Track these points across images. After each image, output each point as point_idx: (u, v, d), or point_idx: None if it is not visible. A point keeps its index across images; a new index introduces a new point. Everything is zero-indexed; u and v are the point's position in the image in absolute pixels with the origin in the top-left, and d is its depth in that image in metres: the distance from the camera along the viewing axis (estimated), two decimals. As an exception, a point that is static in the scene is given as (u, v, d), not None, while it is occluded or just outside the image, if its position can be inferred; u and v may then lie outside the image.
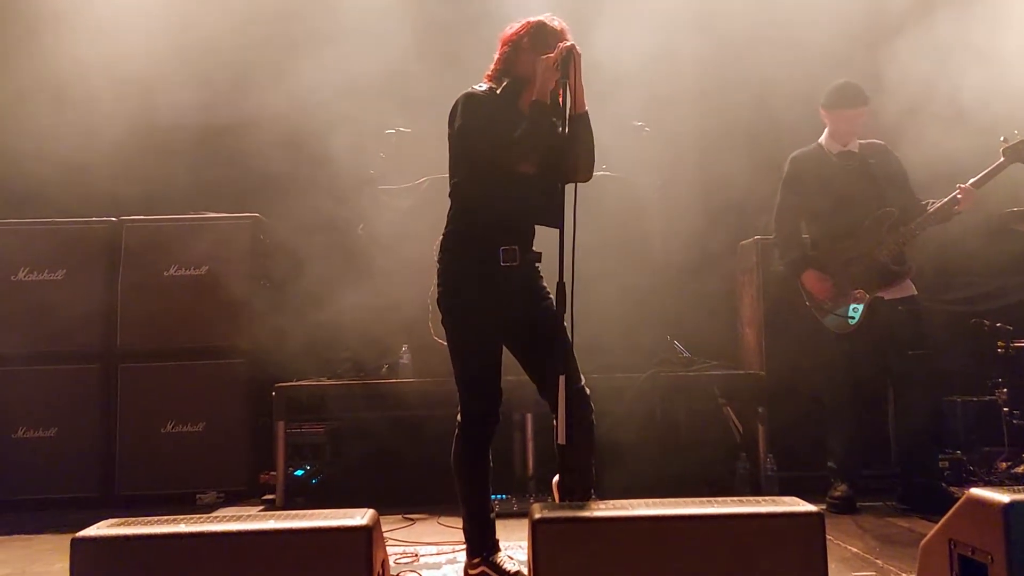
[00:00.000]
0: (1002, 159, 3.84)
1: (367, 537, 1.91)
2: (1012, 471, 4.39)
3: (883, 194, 4.09)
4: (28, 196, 5.12)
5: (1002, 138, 3.85)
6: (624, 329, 4.47)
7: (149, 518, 2.07)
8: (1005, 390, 4.63)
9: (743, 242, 5.01)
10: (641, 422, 4.30)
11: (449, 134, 2.85)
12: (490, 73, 2.89)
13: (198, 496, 4.53)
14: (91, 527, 2.00)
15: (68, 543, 1.94)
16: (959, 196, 3.88)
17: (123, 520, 2.04)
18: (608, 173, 4.61)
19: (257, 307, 4.73)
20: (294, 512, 2.07)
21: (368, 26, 4.95)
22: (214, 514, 3.49)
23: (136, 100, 5.14)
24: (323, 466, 4.56)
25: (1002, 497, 1.79)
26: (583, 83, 2.65)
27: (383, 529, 2.29)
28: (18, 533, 3.93)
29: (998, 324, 4.91)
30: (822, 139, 4.26)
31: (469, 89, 2.81)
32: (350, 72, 4.80)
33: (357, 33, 4.92)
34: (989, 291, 5.47)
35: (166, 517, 2.06)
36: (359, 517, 1.97)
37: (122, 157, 5.10)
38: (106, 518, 2.08)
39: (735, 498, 2.00)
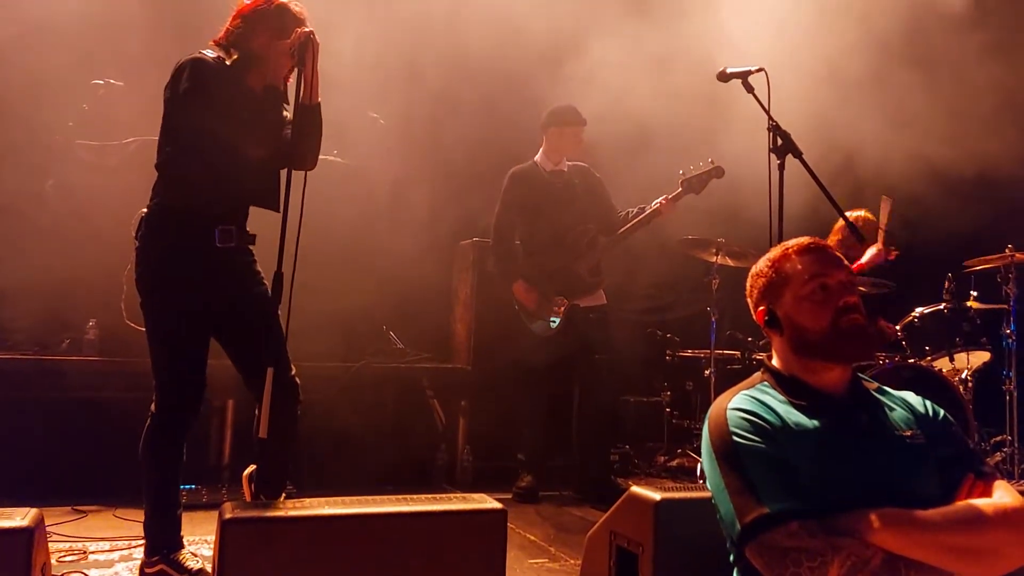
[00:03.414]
0: (679, 190, 4.39)
1: (27, 541, 1.71)
2: (668, 464, 5.06)
3: (585, 211, 4.51)
4: None
5: (680, 171, 4.39)
6: (342, 317, 4.44)
7: None
8: (669, 393, 5.32)
9: (463, 242, 5.22)
10: (350, 412, 4.30)
11: (167, 97, 2.61)
12: (218, 40, 2.71)
13: None
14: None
15: None
16: (659, 208, 4.33)
17: None
18: (338, 159, 4.54)
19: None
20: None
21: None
22: None
23: None
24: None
25: (655, 495, 2.05)
26: (319, 73, 2.59)
27: (48, 523, 2.07)
28: None
29: (668, 335, 5.62)
30: (537, 157, 4.58)
31: (198, 54, 2.61)
32: (53, 7, 4.20)
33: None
34: (663, 304, 6.25)
35: None
36: (19, 518, 1.75)
37: None
38: None
39: (429, 495, 2.09)
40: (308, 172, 2.64)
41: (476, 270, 4.98)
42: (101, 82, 4.38)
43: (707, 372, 4.86)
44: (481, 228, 5.05)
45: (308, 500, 1.95)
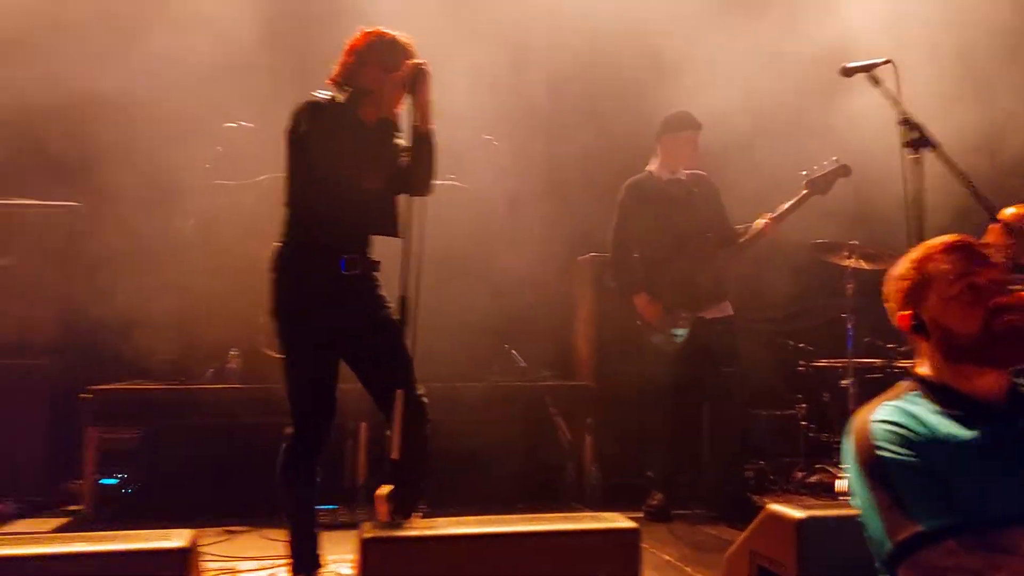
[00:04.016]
0: (804, 192, 4.19)
1: (183, 561, 1.82)
2: (806, 481, 4.81)
3: (706, 219, 4.39)
4: None
5: (804, 172, 4.21)
6: (464, 338, 4.51)
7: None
8: (804, 405, 5.07)
9: (580, 257, 5.20)
10: (477, 431, 4.36)
11: (287, 141, 2.76)
12: (333, 77, 2.84)
13: (-12, 506, 4.08)
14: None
15: None
16: (764, 229, 4.22)
17: None
18: (456, 183, 4.64)
19: (70, 303, 4.36)
20: (102, 533, 1.94)
21: (214, 11, 4.68)
22: (7, 528, 3.17)
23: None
24: (137, 474, 4.28)
25: (796, 513, 1.96)
26: (432, 100, 2.67)
27: (201, 543, 2.20)
28: None
29: (800, 344, 5.37)
30: (652, 167, 4.48)
31: (311, 97, 2.75)
32: (188, 59, 4.53)
33: (200, 18, 4.64)
34: (793, 312, 5.99)
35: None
36: (176, 539, 1.87)
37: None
38: None
39: (561, 514, 2.08)
40: (427, 198, 2.72)
41: (596, 285, 4.95)
42: (234, 125, 4.67)
43: (845, 382, 4.61)
44: (599, 242, 5.01)
45: (441, 519, 1.98)
